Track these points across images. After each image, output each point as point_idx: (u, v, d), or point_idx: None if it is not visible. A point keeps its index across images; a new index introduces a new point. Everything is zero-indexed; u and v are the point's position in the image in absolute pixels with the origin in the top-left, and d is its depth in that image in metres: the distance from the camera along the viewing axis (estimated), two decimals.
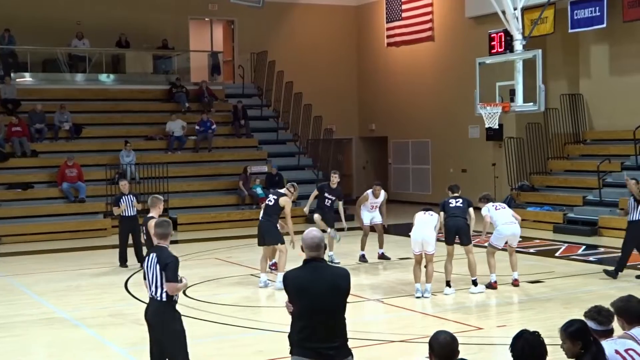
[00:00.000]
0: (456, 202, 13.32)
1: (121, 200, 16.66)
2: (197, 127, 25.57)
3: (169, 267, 7.22)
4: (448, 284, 13.18)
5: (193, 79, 28.82)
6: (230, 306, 12.41)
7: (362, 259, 16.50)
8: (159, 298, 7.28)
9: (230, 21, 30.60)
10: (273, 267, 14.63)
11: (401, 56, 30.22)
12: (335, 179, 16.50)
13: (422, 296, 12.80)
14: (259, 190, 23.86)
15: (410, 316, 11.97)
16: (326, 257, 15.96)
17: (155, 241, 7.57)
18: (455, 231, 13.19)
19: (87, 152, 24.32)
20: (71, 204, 22.41)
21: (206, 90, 27.58)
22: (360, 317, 11.65)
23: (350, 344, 10.04)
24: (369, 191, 16.58)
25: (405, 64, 30.03)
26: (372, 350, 9.87)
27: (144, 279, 7.47)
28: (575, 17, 22.45)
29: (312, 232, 6.09)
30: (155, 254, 7.33)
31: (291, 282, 6.03)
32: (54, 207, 22.30)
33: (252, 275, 14.82)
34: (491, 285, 13.42)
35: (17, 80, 26.24)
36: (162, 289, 7.24)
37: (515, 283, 13.64)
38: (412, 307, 12.32)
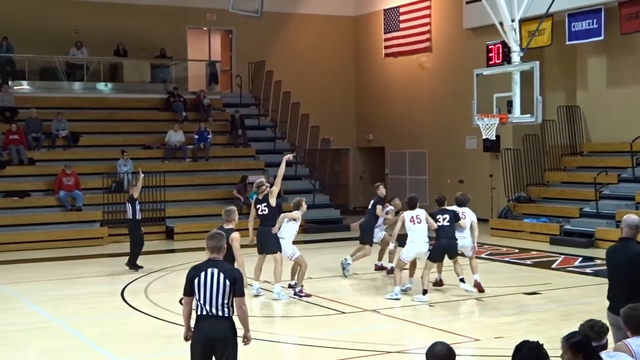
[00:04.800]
0: (444, 219, 13.52)
1: (135, 202, 17.22)
2: (195, 137, 25.58)
3: (239, 282, 7.04)
4: (425, 292, 13.35)
5: (191, 88, 28.83)
6: None
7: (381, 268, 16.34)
8: (224, 315, 6.96)
9: (229, 31, 30.63)
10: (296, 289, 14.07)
11: (399, 67, 30.27)
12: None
13: (399, 297, 13.43)
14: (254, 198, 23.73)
15: (407, 327, 11.96)
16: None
17: (209, 254, 7.19)
18: (446, 251, 13.71)
19: (84, 160, 24.28)
20: (68, 212, 22.37)
21: (203, 100, 27.59)
22: (357, 328, 11.64)
23: (347, 354, 10.10)
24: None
25: (403, 74, 30.07)
26: None
27: (189, 295, 7.06)
28: (573, 29, 22.51)
29: (631, 216, 7.71)
30: (216, 269, 7.01)
31: (607, 251, 7.91)
32: (50, 215, 22.26)
33: (249, 285, 14.77)
34: (478, 284, 13.91)
35: (15, 88, 26.23)
36: (228, 304, 6.96)
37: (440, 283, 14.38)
38: (408, 318, 12.31)
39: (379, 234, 16.06)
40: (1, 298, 14.59)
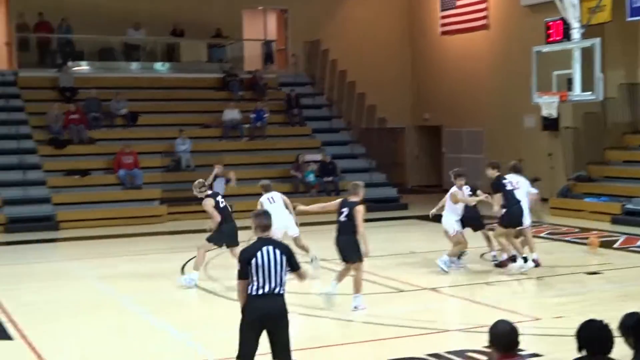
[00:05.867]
0: (512, 185, 13.78)
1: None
2: (252, 116, 25.70)
3: (293, 255, 7.25)
4: (514, 259, 13.57)
5: (246, 68, 28.94)
6: None
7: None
8: (281, 292, 7.07)
9: (284, 10, 30.63)
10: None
11: (455, 45, 29.96)
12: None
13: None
14: (311, 177, 23.92)
15: (466, 305, 11.93)
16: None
17: (259, 233, 7.20)
18: (518, 218, 13.60)
19: (143, 139, 24.56)
20: (127, 190, 22.70)
21: (259, 79, 27.67)
22: (416, 306, 11.63)
23: (405, 332, 10.11)
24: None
25: (460, 52, 29.77)
26: (431, 339, 9.86)
27: (245, 278, 7.09)
28: (634, 5, 21.99)
29: None
30: (270, 246, 7.09)
31: None
32: (110, 193, 22.61)
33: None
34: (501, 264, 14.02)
35: (74, 68, 26.63)
36: (284, 280, 7.07)
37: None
38: (467, 297, 12.27)
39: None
40: (62, 274, 14.91)
